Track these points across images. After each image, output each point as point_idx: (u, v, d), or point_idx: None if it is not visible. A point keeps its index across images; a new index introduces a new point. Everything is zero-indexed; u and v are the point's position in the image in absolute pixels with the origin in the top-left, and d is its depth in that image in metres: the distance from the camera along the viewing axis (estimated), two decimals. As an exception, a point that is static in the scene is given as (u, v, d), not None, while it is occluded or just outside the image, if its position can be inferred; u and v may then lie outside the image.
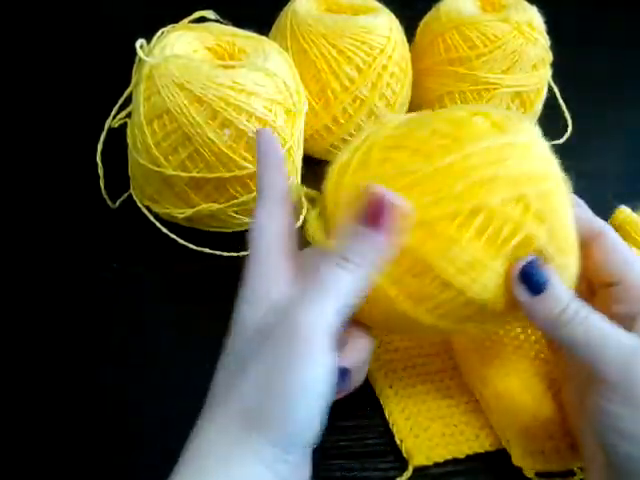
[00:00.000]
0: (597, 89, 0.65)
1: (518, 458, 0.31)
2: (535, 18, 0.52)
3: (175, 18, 0.43)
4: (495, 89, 0.51)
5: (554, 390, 0.33)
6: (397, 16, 0.52)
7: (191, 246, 0.42)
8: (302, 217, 0.39)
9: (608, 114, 0.61)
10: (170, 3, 0.60)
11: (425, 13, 0.57)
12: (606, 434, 0.26)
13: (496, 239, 0.26)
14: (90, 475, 0.31)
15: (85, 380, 0.35)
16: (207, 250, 0.42)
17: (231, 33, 0.43)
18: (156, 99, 0.39)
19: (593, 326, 0.26)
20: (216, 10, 0.44)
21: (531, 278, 0.26)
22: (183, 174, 0.39)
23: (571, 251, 0.27)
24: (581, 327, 0.26)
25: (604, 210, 0.31)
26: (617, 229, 0.33)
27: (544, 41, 0.52)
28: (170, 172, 0.39)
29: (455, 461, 0.32)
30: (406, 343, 0.36)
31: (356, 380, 0.29)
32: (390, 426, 0.33)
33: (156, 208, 0.43)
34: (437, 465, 0.32)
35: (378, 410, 0.34)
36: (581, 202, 0.31)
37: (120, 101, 0.42)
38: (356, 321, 0.28)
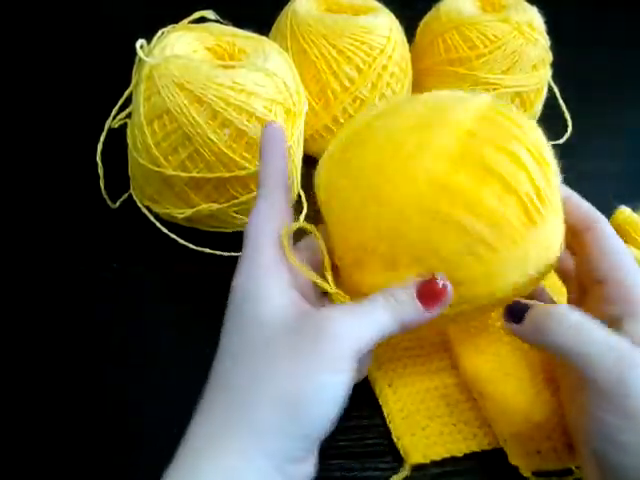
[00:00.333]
0: (597, 89, 0.65)
1: (515, 457, 0.31)
2: (535, 18, 0.52)
3: (175, 18, 0.43)
4: (495, 89, 0.51)
5: (553, 388, 0.33)
6: (397, 16, 0.52)
7: (191, 246, 0.42)
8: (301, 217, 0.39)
9: (608, 114, 0.61)
10: (170, 3, 0.60)
11: (425, 13, 0.57)
12: (596, 441, 0.25)
13: None
14: (90, 475, 0.31)
15: (85, 380, 0.35)
16: (207, 250, 0.42)
17: (231, 33, 0.43)
18: (156, 99, 0.39)
19: (582, 331, 0.26)
20: (216, 10, 0.44)
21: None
22: (183, 174, 0.39)
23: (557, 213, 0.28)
24: (570, 331, 0.26)
25: (604, 210, 0.31)
26: (617, 229, 0.32)
27: (544, 41, 0.52)
28: (170, 172, 0.39)
29: (453, 461, 0.32)
30: (406, 343, 0.36)
31: (356, 378, 0.29)
32: (388, 424, 0.33)
33: (156, 208, 0.43)
34: (435, 464, 0.32)
35: (377, 410, 0.34)
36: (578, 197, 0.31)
37: (120, 101, 0.42)
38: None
